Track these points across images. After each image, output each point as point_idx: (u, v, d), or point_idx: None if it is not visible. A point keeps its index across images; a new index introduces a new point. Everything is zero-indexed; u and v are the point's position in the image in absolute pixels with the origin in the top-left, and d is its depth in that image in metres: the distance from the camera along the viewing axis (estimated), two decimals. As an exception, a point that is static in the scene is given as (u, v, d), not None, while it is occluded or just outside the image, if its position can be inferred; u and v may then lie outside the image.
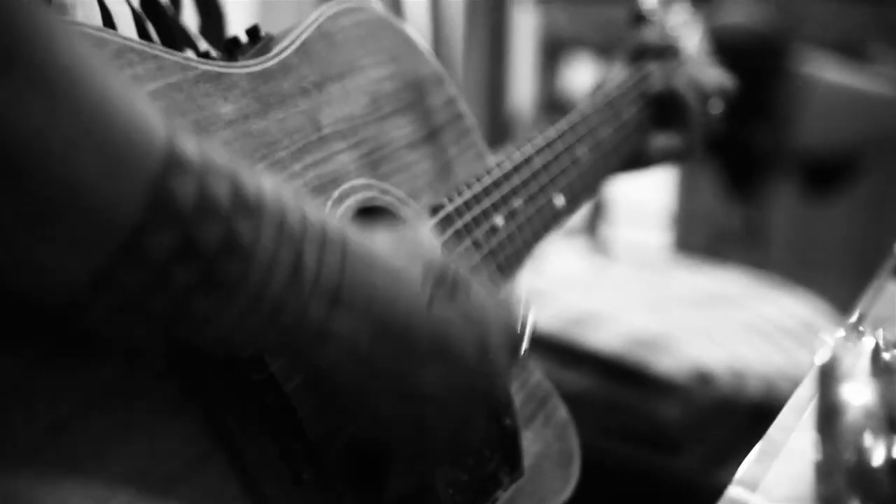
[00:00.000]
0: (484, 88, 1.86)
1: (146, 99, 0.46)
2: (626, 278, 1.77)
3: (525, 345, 0.67)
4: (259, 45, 0.64)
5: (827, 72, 2.36)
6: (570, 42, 2.42)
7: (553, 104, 2.55)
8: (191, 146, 0.45)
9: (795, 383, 0.69)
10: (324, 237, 0.51)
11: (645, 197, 2.55)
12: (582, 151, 0.86)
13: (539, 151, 0.80)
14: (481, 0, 1.82)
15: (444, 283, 0.56)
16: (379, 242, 0.55)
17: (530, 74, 2.27)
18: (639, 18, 1.04)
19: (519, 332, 0.65)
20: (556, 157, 0.82)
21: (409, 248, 0.56)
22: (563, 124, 0.85)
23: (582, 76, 2.59)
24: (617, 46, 1.06)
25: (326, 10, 0.67)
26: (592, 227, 2.35)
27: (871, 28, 2.52)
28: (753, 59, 2.35)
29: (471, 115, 0.78)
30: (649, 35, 1.02)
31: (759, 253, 2.35)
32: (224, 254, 0.46)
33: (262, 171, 0.50)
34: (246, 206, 0.47)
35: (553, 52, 2.42)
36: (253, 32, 0.65)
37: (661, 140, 0.99)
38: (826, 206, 2.36)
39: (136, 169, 0.43)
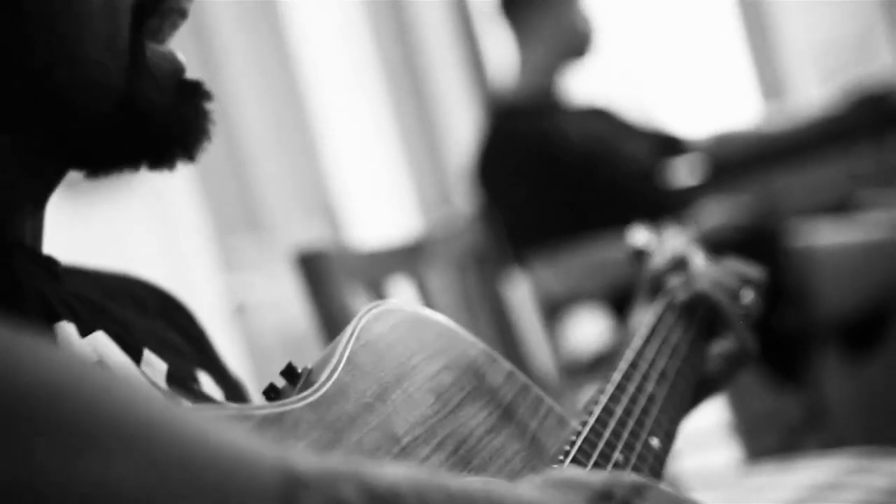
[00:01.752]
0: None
1: (241, 431, 0.44)
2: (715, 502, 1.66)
3: None
4: (302, 381, 0.62)
5: (823, 236, 2.34)
6: (567, 299, 2.39)
7: (573, 363, 2.50)
8: (305, 461, 0.44)
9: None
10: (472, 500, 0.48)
11: (698, 418, 2.45)
12: (652, 387, 0.84)
13: (614, 400, 0.79)
14: (471, 282, 1.79)
15: (615, 496, 0.53)
16: (526, 488, 0.53)
17: (542, 340, 2.23)
18: (638, 255, 1.04)
19: None
20: (633, 401, 0.81)
21: (560, 482, 0.54)
22: (623, 366, 0.84)
23: (590, 328, 2.55)
24: (631, 293, 1.05)
25: (358, 323, 0.66)
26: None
27: (852, 181, 2.53)
28: (750, 251, 2.32)
29: (535, 384, 0.76)
30: (656, 265, 1.02)
31: (830, 432, 2.25)
32: None
33: (389, 461, 0.49)
34: (380, 499, 0.45)
35: (553, 313, 2.39)
36: (289, 372, 0.63)
37: (715, 349, 0.98)
38: (875, 363, 2.28)
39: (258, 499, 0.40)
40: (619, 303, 2.45)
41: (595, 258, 2.35)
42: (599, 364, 2.52)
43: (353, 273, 1.57)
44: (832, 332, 2.29)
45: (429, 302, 1.66)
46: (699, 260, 1.03)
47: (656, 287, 1.01)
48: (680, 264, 1.01)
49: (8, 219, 0.66)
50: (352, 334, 0.65)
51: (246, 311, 3.05)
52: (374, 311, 0.68)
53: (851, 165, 2.63)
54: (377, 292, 1.58)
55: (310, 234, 3.12)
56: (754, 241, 2.36)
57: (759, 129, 2.82)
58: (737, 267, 1.03)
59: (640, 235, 1.07)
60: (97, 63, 0.65)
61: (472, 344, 0.73)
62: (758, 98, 5.16)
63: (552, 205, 2.43)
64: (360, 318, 0.67)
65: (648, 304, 1.00)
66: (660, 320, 0.94)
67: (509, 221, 2.36)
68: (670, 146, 2.69)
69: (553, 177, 2.42)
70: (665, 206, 2.46)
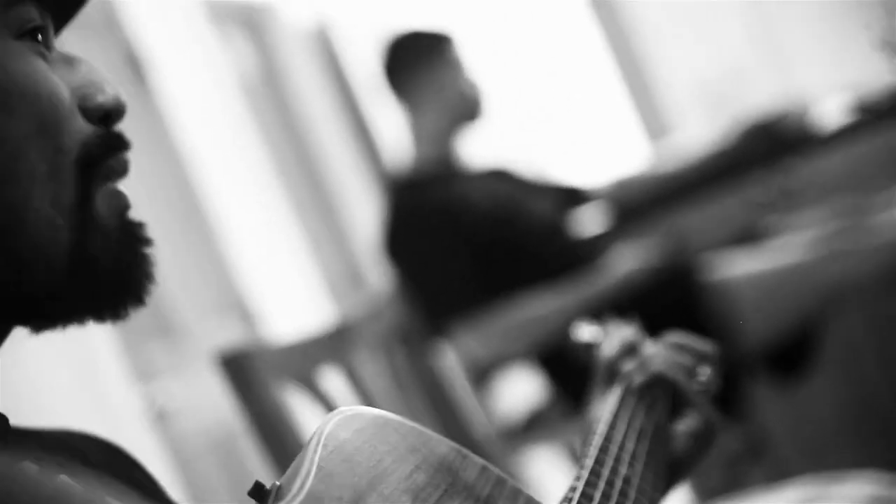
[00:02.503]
0: (442, 433, 1.78)
1: None
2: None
3: None
4: (272, 497, 0.59)
5: (737, 267, 2.36)
6: (492, 363, 2.38)
7: (509, 426, 2.48)
8: None
9: None
10: None
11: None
12: (626, 469, 0.82)
13: (590, 485, 0.77)
14: (399, 361, 1.76)
15: None
16: None
17: (475, 407, 2.20)
18: (586, 348, 1.03)
19: None
20: (610, 484, 0.79)
21: None
22: (593, 451, 0.82)
23: (520, 389, 2.54)
24: (586, 388, 1.03)
25: (322, 431, 0.63)
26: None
27: (754, 209, 2.57)
28: (666, 290, 2.34)
29: (511, 476, 0.73)
30: (607, 353, 1.01)
31: (773, 462, 2.25)
32: None
33: None
34: None
35: (481, 379, 2.37)
36: (257, 491, 0.60)
37: (680, 427, 0.97)
38: (805, 386, 2.30)
39: None
40: (545, 360, 2.44)
41: (515, 319, 2.34)
42: (534, 424, 2.50)
43: (280, 368, 1.53)
44: (759, 361, 2.30)
45: (359, 386, 1.63)
46: (649, 343, 1.02)
47: (611, 375, 1.00)
48: (631, 349, 1.00)
49: None
50: (318, 443, 0.63)
51: (167, 418, 2.97)
52: (336, 418, 0.66)
53: (751, 194, 2.68)
54: (307, 385, 1.55)
55: (223, 333, 3.06)
56: (670, 281, 2.37)
57: (657, 170, 2.85)
58: (688, 343, 1.02)
59: (585, 330, 1.07)
60: (44, 222, 0.66)
61: (439, 441, 0.71)
62: (643, 139, 5.24)
63: (465, 271, 2.41)
64: (323, 427, 0.64)
65: (604, 393, 0.99)
66: (621, 405, 0.93)
67: (425, 293, 2.34)
68: (572, 198, 2.71)
69: (462, 244, 2.41)
70: (576, 258, 2.47)
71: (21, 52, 0.67)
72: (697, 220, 2.67)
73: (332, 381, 1.61)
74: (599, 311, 2.30)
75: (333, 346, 1.65)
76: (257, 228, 3.24)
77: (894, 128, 2.65)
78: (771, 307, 2.31)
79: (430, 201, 2.45)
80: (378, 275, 2.71)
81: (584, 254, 2.49)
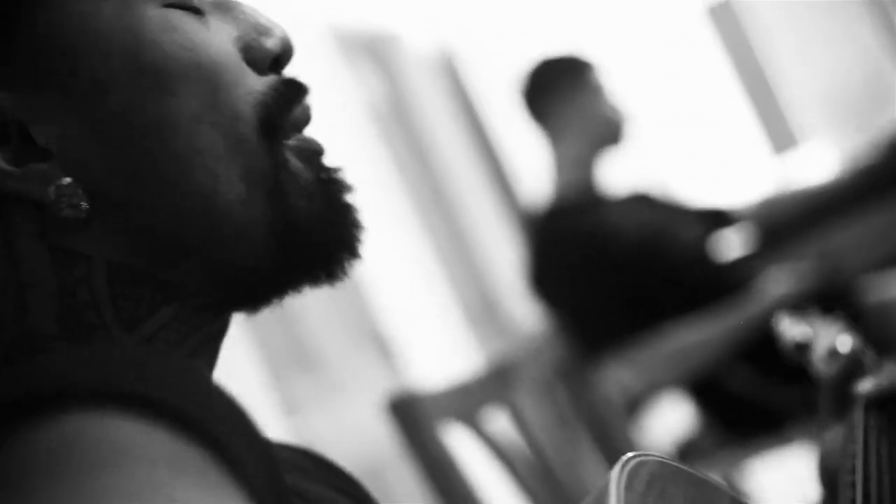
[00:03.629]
0: (607, 467, 1.77)
1: None
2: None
3: None
4: None
5: (893, 286, 2.30)
6: (645, 392, 2.35)
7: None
8: None
9: None
10: None
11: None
12: None
13: None
14: (561, 397, 1.75)
15: None
16: None
17: (634, 438, 2.18)
18: (799, 349, 0.94)
19: None
20: None
21: None
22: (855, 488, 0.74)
23: (673, 417, 2.50)
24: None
25: (619, 481, 0.57)
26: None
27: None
28: (826, 314, 2.28)
29: None
30: (829, 370, 0.91)
31: None
32: None
33: None
34: None
35: (634, 409, 2.34)
36: None
37: None
38: None
39: None
40: (696, 389, 2.40)
41: (668, 347, 2.30)
42: (687, 453, 2.45)
43: (446, 411, 1.53)
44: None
45: (524, 426, 1.62)
46: (870, 354, 0.96)
47: (840, 396, 0.90)
48: (856, 363, 0.94)
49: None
50: (615, 494, 0.57)
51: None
52: (629, 465, 0.59)
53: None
54: (472, 426, 1.54)
55: (363, 367, 3.08)
56: (825, 302, 2.31)
57: (803, 189, 2.79)
58: None
59: (795, 329, 0.99)
60: (239, 200, 0.61)
61: (723, 493, 0.66)
62: (770, 153, 5.15)
63: (614, 300, 2.38)
64: (619, 476, 0.57)
65: (834, 412, 0.93)
66: (867, 434, 0.83)
67: (576, 324, 2.31)
68: (718, 220, 2.66)
69: (611, 272, 2.38)
70: (725, 283, 2.42)
71: (171, 21, 0.60)
72: (848, 239, 2.60)
73: (497, 421, 1.60)
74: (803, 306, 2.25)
75: (496, 386, 1.64)
76: (394, 262, 3.25)
77: None
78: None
79: (575, 230, 2.42)
80: (516, 309, 2.69)
81: (733, 278, 2.44)
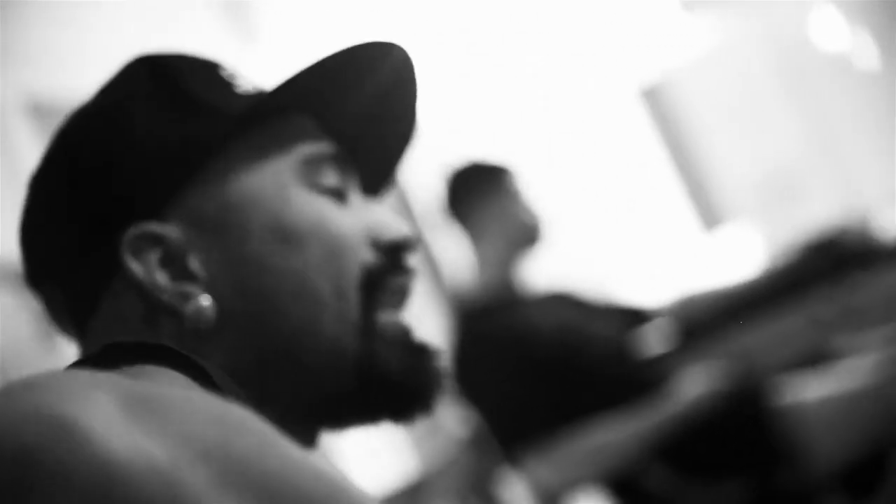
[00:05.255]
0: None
1: None
2: None
3: None
4: None
5: (808, 390, 2.35)
6: (563, 490, 2.37)
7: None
8: None
9: None
10: None
11: None
12: None
13: None
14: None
15: None
16: None
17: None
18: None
19: None
20: None
21: None
22: None
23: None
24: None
25: None
26: None
27: (820, 328, 2.55)
28: (738, 416, 2.33)
29: None
30: None
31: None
32: None
33: None
34: None
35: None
36: None
37: None
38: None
39: None
40: (615, 486, 2.43)
41: (585, 446, 2.34)
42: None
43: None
44: (833, 484, 2.28)
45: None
46: None
47: None
48: None
49: None
50: None
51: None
52: None
53: (815, 312, 2.66)
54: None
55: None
56: (740, 406, 2.36)
57: (721, 288, 2.85)
58: None
59: None
60: (333, 337, 0.79)
61: None
62: (698, 232, 5.24)
63: (534, 399, 2.42)
64: None
65: None
66: None
67: (495, 423, 2.35)
68: (636, 318, 2.71)
69: (529, 371, 2.42)
70: (643, 381, 2.47)
71: (310, 200, 0.81)
72: (763, 339, 2.66)
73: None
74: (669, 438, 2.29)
75: (411, 501, 1.66)
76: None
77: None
78: (842, 430, 2.29)
79: (495, 329, 2.47)
80: (453, 417, 2.71)
81: (651, 376, 2.49)
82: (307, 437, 0.82)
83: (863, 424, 2.27)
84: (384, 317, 0.82)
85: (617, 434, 2.34)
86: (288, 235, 0.79)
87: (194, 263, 0.78)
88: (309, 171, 0.82)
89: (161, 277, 0.78)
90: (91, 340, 0.79)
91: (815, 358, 2.47)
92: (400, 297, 0.85)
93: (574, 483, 2.38)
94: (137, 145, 0.78)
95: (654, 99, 5.28)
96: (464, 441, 2.18)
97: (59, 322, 0.83)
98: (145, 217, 0.78)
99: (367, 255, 0.82)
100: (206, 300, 0.77)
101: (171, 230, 0.78)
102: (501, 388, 2.44)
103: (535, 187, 2.65)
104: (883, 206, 3.05)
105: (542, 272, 2.73)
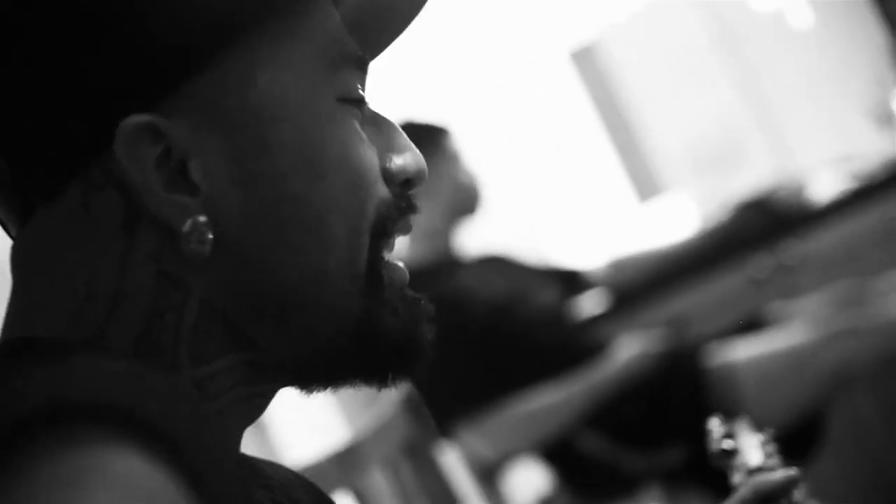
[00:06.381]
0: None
1: None
2: None
3: None
4: None
5: (739, 350, 2.34)
6: (499, 459, 2.35)
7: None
8: None
9: None
10: None
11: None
12: None
13: None
14: (407, 474, 1.73)
15: None
16: None
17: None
18: (722, 457, 0.94)
19: None
20: None
21: None
22: None
23: (528, 483, 2.50)
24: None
25: None
26: None
27: (755, 289, 2.55)
28: (672, 376, 2.32)
29: None
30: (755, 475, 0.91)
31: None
32: None
33: None
34: None
35: (489, 476, 2.33)
36: None
37: None
38: (816, 466, 2.27)
39: None
40: (550, 452, 2.40)
41: (520, 413, 2.31)
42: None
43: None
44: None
45: (369, 508, 1.60)
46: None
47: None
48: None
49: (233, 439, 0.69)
50: None
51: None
52: None
53: (749, 272, 2.66)
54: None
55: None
56: (674, 367, 2.35)
57: (654, 250, 2.83)
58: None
59: (722, 438, 0.98)
60: (339, 288, 0.67)
61: None
62: (634, 200, 5.23)
63: (468, 366, 2.38)
64: None
65: None
66: None
67: (429, 392, 2.31)
68: (571, 282, 2.68)
69: (464, 336, 2.37)
70: (577, 346, 2.44)
71: (339, 117, 0.68)
72: (699, 301, 2.65)
73: None
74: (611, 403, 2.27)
75: (342, 468, 1.62)
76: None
77: (889, 200, 2.63)
78: (777, 390, 2.29)
79: (430, 295, 2.42)
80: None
81: (586, 340, 2.47)
82: (267, 392, 0.72)
83: (796, 384, 2.27)
84: (388, 267, 0.70)
85: (551, 400, 2.32)
86: (313, 158, 0.66)
87: (196, 172, 0.64)
88: (336, 76, 0.68)
89: (154, 182, 0.63)
90: (36, 236, 0.65)
91: (752, 323, 2.46)
92: (401, 235, 0.73)
93: (508, 452, 2.35)
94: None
95: (585, 60, 5.26)
96: (397, 406, 2.13)
97: None
98: (148, 97, 0.63)
99: (382, 192, 0.70)
100: (203, 218, 0.63)
101: (176, 126, 0.63)
102: (435, 354, 2.40)
103: (468, 151, 2.59)
104: (814, 168, 3.05)
105: (476, 236, 2.68)
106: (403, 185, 0.72)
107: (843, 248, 2.61)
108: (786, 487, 0.94)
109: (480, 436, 2.29)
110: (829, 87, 3.86)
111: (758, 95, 4.37)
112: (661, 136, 4.98)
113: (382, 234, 0.69)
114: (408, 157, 0.72)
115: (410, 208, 0.72)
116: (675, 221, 4.43)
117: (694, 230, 2.88)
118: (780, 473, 0.95)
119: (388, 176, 0.70)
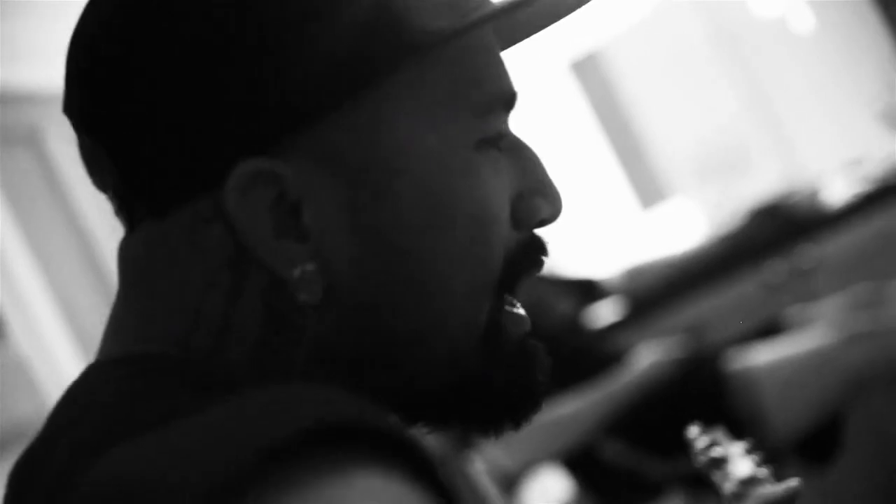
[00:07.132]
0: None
1: None
2: None
3: None
4: None
5: (759, 355, 2.35)
6: (520, 469, 2.35)
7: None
8: None
9: None
10: None
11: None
12: None
13: None
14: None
15: None
16: None
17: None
18: (710, 465, 0.95)
19: None
20: None
21: None
22: None
23: (550, 492, 2.51)
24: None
25: None
26: None
27: (771, 295, 2.55)
28: (692, 383, 2.32)
29: None
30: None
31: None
32: None
33: None
34: None
35: (510, 486, 2.34)
36: None
37: None
38: (835, 469, 2.28)
39: None
40: (572, 459, 2.41)
41: (540, 422, 2.31)
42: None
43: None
44: (789, 449, 2.28)
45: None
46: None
47: None
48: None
49: None
50: None
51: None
52: None
53: (764, 277, 2.67)
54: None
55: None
56: (694, 373, 2.35)
57: (669, 258, 2.85)
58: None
59: (710, 446, 0.99)
60: (455, 344, 0.64)
61: None
62: (638, 208, 5.24)
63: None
64: None
65: None
66: None
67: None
68: (587, 291, 2.69)
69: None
70: (597, 355, 2.45)
71: (474, 167, 0.63)
72: (714, 308, 2.66)
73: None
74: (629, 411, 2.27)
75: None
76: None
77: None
78: (796, 394, 2.29)
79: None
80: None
81: (604, 349, 2.47)
82: None
83: (815, 388, 2.28)
84: (508, 317, 0.66)
85: (572, 409, 2.32)
86: (438, 212, 0.62)
87: (308, 217, 0.60)
88: (477, 121, 0.64)
89: (264, 228, 0.60)
90: (146, 248, 0.63)
91: (769, 328, 2.47)
92: (529, 276, 0.68)
93: (531, 462, 2.36)
94: (314, 31, 0.59)
95: (587, 69, 5.27)
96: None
97: (97, 176, 0.65)
98: (271, 138, 0.60)
99: (510, 238, 0.65)
100: (311, 267, 0.60)
101: (293, 169, 0.60)
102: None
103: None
104: (829, 173, 3.06)
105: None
106: (536, 224, 0.67)
107: (859, 252, 2.62)
108: (791, 500, 0.95)
109: (502, 446, 2.29)
110: (833, 92, 3.87)
111: (761, 101, 4.38)
112: (665, 144, 4.98)
113: (508, 287, 0.65)
114: (543, 200, 0.67)
115: (541, 254, 0.67)
116: (680, 228, 4.44)
117: (706, 236, 2.89)
118: (785, 486, 0.95)
119: (518, 221, 0.66)
